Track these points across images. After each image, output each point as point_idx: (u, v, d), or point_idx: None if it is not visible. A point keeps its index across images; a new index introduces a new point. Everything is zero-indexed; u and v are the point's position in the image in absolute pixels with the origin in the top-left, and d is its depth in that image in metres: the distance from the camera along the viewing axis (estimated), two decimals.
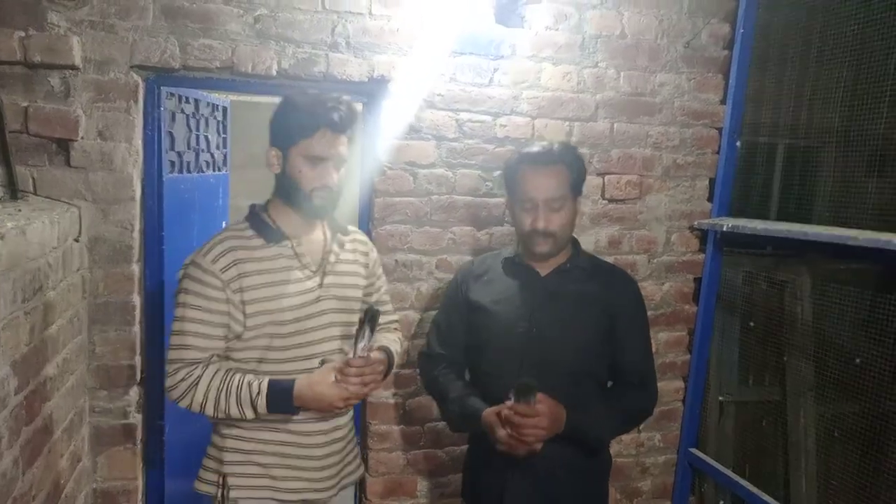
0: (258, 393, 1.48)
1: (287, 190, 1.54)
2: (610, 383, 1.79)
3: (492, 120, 2.20)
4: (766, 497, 2.20)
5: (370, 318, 1.48)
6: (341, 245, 1.66)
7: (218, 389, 1.48)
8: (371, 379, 1.53)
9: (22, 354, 1.43)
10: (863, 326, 1.97)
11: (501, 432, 1.54)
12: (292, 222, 1.58)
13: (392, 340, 1.77)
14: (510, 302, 1.72)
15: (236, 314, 1.50)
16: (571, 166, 1.66)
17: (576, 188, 1.68)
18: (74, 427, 1.84)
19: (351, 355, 1.49)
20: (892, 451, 1.92)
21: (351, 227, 1.74)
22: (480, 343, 1.75)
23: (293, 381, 1.50)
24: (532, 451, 1.55)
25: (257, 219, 1.58)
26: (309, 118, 1.48)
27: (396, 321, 1.91)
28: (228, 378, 1.49)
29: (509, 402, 1.52)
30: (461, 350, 1.81)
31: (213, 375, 1.49)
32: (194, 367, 1.49)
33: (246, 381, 1.49)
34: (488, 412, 1.61)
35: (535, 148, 1.68)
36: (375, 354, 1.57)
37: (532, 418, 1.50)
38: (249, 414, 1.50)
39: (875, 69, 1.98)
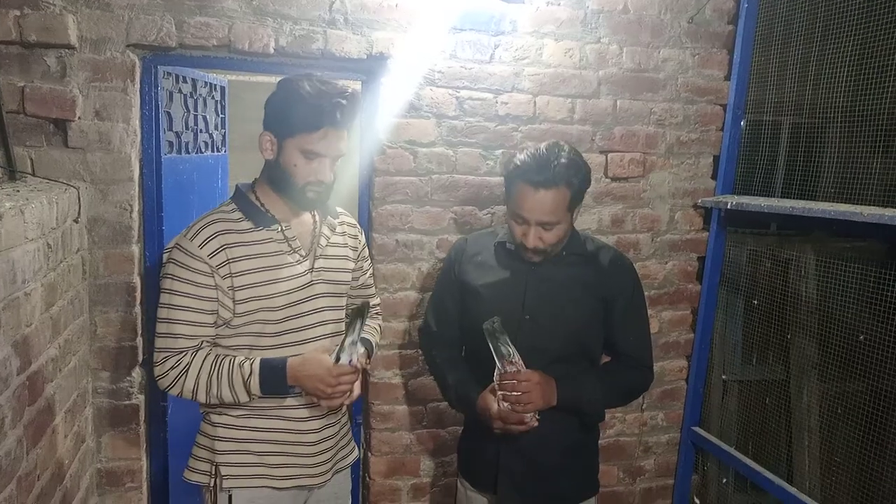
0: (250, 374, 1.46)
1: (278, 179, 1.49)
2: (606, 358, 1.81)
3: (493, 97, 2.17)
4: (769, 475, 2.20)
5: (360, 315, 1.47)
6: (332, 228, 1.63)
7: (209, 375, 1.46)
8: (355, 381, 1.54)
9: (23, 335, 1.43)
10: (867, 304, 1.96)
11: (494, 407, 1.57)
12: (281, 206, 1.53)
13: (373, 328, 1.81)
14: (502, 287, 1.70)
15: (225, 300, 1.47)
16: (572, 185, 1.54)
17: (574, 205, 1.60)
18: (77, 408, 1.84)
19: (342, 353, 1.48)
20: None
21: (339, 209, 1.70)
22: (473, 325, 1.73)
23: (285, 358, 1.49)
24: (528, 427, 1.56)
25: (245, 200, 1.53)
26: (312, 115, 1.41)
27: (378, 305, 1.90)
28: (219, 363, 1.46)
29: (496, 374, 1.57)
30: (456, 328, 1.81)
31: (203, 361, 1.46)
32: (183, 354, 1.46)
33: (237, 363, 1.47)
34: (481, 397, 1.64)
35: (538, 162, 1.53)
36: (362, 361, 1.56)
37: (521, 383, 1.52)
38: (243, 397, 1.47)
39: (881, 45, 1.95)
